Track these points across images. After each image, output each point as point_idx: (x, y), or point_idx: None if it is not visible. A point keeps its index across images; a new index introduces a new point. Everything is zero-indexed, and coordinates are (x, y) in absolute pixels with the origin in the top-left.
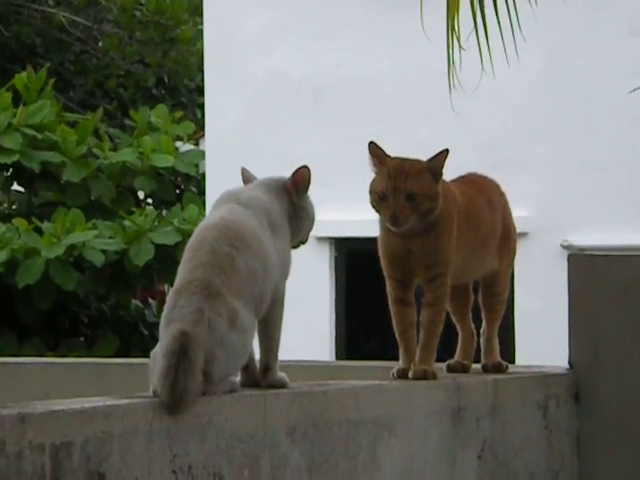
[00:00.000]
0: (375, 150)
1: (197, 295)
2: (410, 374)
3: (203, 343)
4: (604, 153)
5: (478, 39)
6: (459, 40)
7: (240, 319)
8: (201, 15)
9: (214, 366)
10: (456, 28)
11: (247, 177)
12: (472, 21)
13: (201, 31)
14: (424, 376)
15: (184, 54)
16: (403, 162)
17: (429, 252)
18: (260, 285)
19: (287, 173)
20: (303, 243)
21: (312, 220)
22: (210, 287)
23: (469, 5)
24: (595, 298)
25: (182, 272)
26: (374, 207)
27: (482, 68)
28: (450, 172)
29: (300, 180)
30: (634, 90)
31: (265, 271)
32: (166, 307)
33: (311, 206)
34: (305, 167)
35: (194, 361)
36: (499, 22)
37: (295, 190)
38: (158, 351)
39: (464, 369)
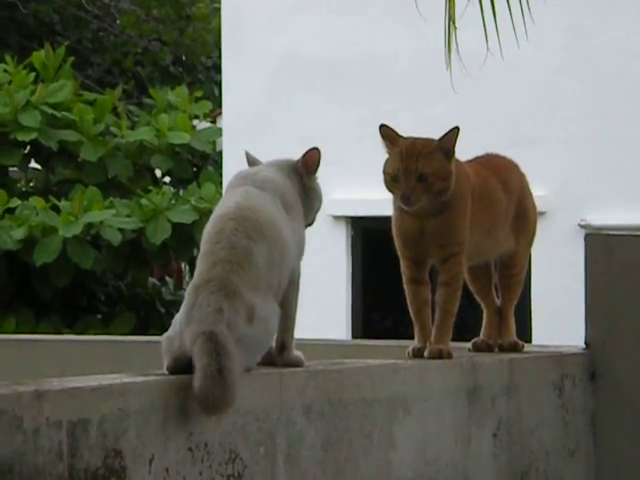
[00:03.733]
0: (386, 132)
1: (216, 295)
2: (426, 353)
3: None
4: (622, 132)
5: (512, 17)
6: (453, 21)
7: (257, 313)
8: None
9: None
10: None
11: (252, 161)
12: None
13: (217, 8)
14: (440, 355)
15: (200, 32)
16: (415, 142)
17: (443, 232)
18: (277, 273)
19: (303, 150)
20: (310, 225)
21: (321, 201)
22: (228, 286)
23: None
24: (612, 278)
25: (200, 267)
26: (387, 187)
27: (517, 43)
28: (466, 151)
29: (310, 161)
30: None
31: (282, 258)
32: (185, 304)
33: (319, 187)
34: (315, 148)
35: (229, 351)
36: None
37: (305, 171)
38: (172, 335)
39: (489, 348)
